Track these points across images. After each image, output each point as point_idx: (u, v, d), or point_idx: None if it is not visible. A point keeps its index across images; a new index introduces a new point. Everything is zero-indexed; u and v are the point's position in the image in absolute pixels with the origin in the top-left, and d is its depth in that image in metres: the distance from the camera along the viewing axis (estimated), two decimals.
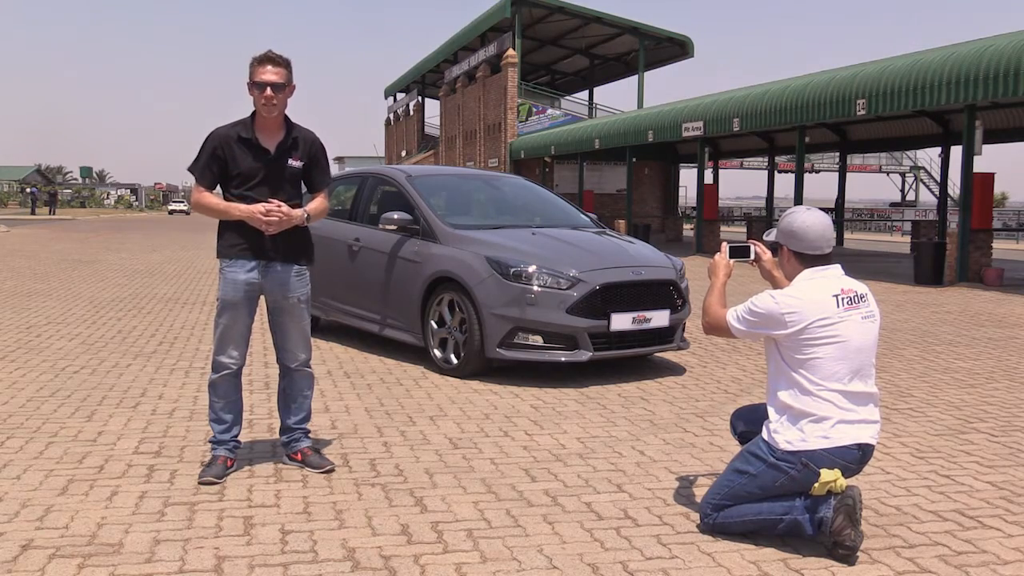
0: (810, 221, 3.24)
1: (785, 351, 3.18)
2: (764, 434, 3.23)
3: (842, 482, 3.06)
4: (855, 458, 3.14)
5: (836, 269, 3.26)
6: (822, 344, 3.10)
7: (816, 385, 3.11)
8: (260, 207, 3.81)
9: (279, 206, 3.82)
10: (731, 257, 3.53)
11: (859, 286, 3.26)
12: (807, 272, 3.24)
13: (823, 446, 3.09)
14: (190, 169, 3.94)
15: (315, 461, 4.02)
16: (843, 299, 3.16)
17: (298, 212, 3.91)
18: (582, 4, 34.85)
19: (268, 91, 3.81)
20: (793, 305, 3.14)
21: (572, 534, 3.28)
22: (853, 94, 15.28)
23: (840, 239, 26.10)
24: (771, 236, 3.41)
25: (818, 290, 3.17)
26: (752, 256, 3.56)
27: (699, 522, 3.36)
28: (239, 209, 3.83)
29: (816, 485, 3.07)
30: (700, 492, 3.72)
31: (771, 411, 3.23)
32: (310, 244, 4.10)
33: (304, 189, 4.14)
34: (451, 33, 43.78)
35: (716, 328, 3.38)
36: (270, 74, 3.83)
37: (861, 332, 3.17)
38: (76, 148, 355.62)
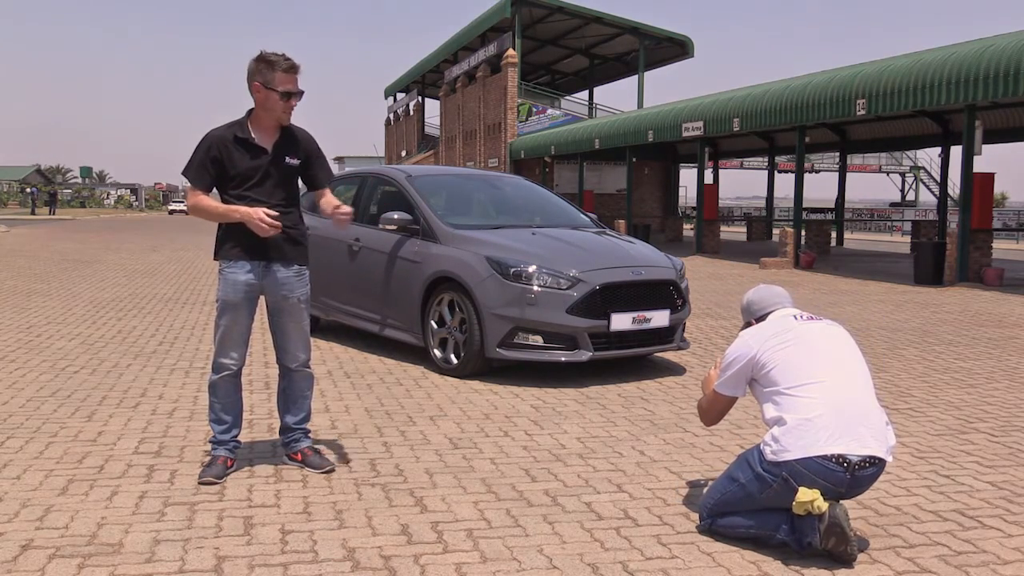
0: (755, 289, 3.64)
1: (760, 376, 3.27)
2: (760, 443, 3.24)
3: (820, 503, 2.97)
4: (840, 480, 3.04)
5: (794, 309, 3.50)
6: (785, 348, 3.23)
7: (789, 385, 3.15)
8: (262, 212, 3.78)
9: (276, 216, 3.80)
10: None
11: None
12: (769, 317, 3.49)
13: (797, 456, 3.04)
14: (184, 173, 3.91)
15: (315, 461, 4.02)
16: (801, 316, 3.41)
17: (347, 209, 3.92)
18: (582, 4, 34.83)
19: (293, 100, 3.83)
20: (754, 331, 3.38)
21: (572, 534, 3.28)
22: (853, 94, 15.28)
23: (840, 239, 26.11)
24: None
25: (777, 318, 3.42)
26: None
27: (698, 523, 3.37)
28: (239, 212, 3.81)
29: (793, 504, 3.02)
30: (700, 492, 3.72)
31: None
32: (306, 244, 4.10)
33: (303, 189, 4.13)
34: (451, 33, 43.81)
35: (710, 402, 3.53)
36: (297, 84, 3.84)
37: (826, 334, 3.34)
38: (76, 148, 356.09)
